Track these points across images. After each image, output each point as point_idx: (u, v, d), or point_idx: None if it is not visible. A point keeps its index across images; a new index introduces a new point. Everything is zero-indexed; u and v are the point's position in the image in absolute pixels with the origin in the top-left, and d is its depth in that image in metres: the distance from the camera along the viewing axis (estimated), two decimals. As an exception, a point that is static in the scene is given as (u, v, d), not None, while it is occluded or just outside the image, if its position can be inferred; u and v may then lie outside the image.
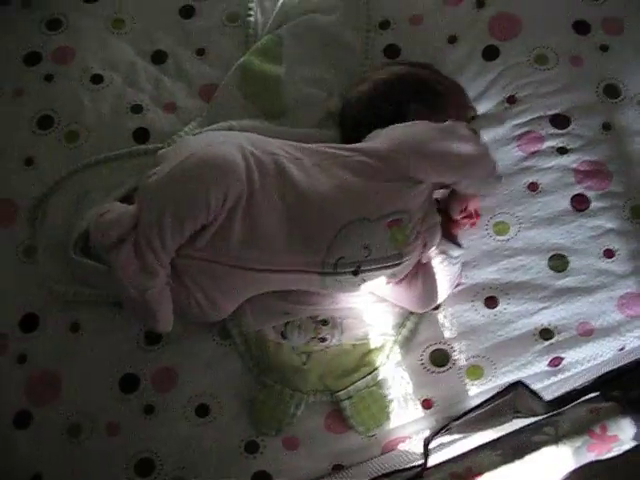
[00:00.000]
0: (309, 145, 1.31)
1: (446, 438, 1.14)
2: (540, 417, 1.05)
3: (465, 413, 1.11)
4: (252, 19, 1.54)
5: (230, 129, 1.40)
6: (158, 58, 1.53)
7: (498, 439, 1.01)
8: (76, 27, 1.53)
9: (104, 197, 1.36)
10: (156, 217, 1.18)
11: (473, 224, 1.36)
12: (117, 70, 1.51)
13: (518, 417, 1.10)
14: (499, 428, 1.12)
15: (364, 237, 1.24)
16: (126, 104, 1.48)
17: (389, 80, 1.39)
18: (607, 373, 1.10)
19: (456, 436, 1.15)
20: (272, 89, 1.47)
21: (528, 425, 1.00)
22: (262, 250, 1.23)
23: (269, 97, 1.47)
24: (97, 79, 1.49)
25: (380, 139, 1.28)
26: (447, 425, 1.09)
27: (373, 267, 1.26)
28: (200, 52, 1.53)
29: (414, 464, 1.09)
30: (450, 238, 1.33)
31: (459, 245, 1.33)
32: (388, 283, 1.32)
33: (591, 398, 1.01)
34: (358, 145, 1.30)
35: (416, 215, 1.27)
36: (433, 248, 1.31)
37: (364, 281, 1.28)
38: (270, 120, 1.45)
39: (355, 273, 1.26)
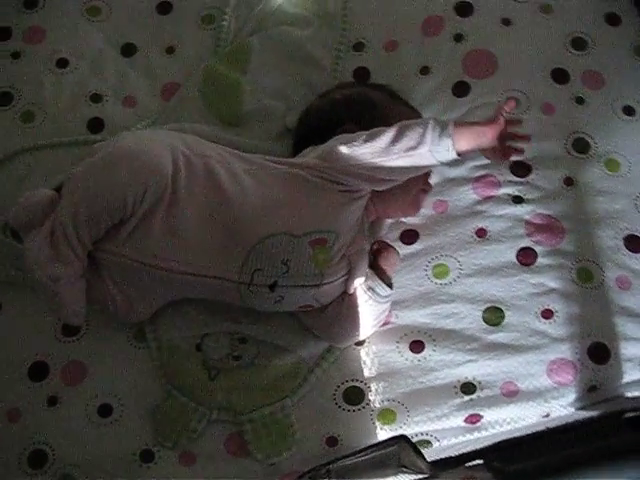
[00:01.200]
0: (246, 154, 1.29)
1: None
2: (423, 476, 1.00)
3: (341, 457, 1.05)
4: (225, 23, 1.51)
5: (181, 131, 1.37)
6: (127, 51, 1.53)
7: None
8: (52, 8, 1.53)
9: (43, 182, 1.35)
10: (72, 208, 1.17)
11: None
12: (84, 57, 1.50)
13: (404, 472, 1.05)
14: (385, 480, 1.07)
15: (284, 252, 1.21)
16: (87, 92, 1.48)
17: (337, 100, 1.37)
18: (498, 443, 1.03)
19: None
20: (232, 96, 1.45)
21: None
22: (180, 251, 1.20)
23: (228, 104, 1.45)
24: (63, 63, 1.49)
25: (311, 154, 1.27)
26: (317, 467, 1.04)
27: (291, 284, 1.22)
28: (170, 50, 1.52)
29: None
30: (381, 276, 1.29)
31: (389, 285, 1.29)
32: (310, 308, 1.28)
33: (474, 465, 0.95)
34: (291, 159, 1.29)
35: (343, 237, 1.23)
36: (360, 281, 1.27)
37: (282, 298, 1.24)
38: (226, 127, 1.43)
39: (272, 288, 1.22)
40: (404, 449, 1.01)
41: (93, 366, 1.30)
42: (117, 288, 1.24)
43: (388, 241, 1.36)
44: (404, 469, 1.05)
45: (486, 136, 1.20)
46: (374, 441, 1.25)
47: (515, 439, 1.04)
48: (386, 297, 1.28)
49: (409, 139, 1.19)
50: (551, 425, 1.11)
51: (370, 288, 1.27)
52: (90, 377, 1.30)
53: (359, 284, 1.27)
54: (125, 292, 1.25)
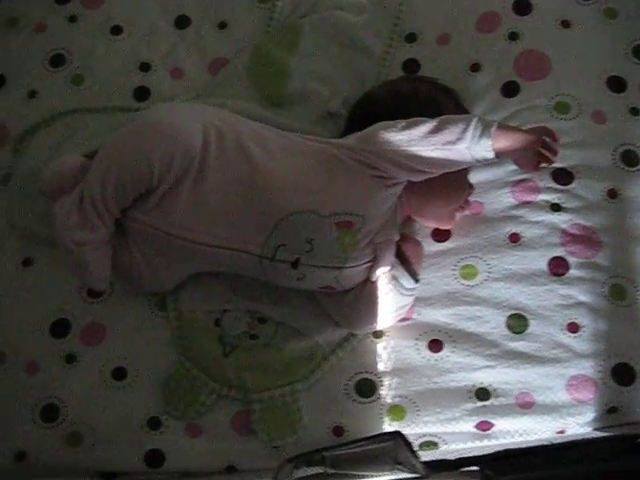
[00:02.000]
0: (283, 131, 1.29)
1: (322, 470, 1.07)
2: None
3: (337, 445, 1.03)
4: (280, 3, 1.50)
5: (222, 106, 1.37)
6: (181, 23, 1.53)
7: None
8: (113, -25, 1.56)
9: (83, 144, 1.37)
10: (101, 176, 1.19)
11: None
12: (138, 26, 1.52)
13: (399, 469, 1.02)
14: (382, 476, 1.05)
15: (309, 230, 1.20)
16: (136, 60, 1.50)
17: (405, 93, 1.33)
18: (497, 452, 0.99)
19: (338, 471, 1.08)
20: (278, 77, 1.44)
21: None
22: (206, 222, 1.21)
23: (273, 84, 1.44)
24: (117, 30, 1.52)
25: (351, 136, 1.26)
26: (311, 452, 1.02)
27: (313, 264, 1.22)
28: (222, 25, 1.53)
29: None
30: (407, 268, 1.26)
31: (415, 278, 1.26)
32: (331, 290, 1.27)
33: (468, 471, 0.92)
34: (329, 139, 1.28)
35: (372, 223, 1.22)
36: (385, 269, 1.25)
37: (304, 276, 1.23)
38: (269, 107, 1.43)
39: (294, 265, 1.22)
40: (400, 446, 0.99)
41: (113, 329, 1.33)
42: (143, 257, 1.26)
43: (418, 236, 1.34)
44: (399, 466, 1.02)
45: (526, 144, 1.18)
46: (379, 436, 1.24)
47: (515, 450, 1.01)
48: (410, 290, 1.26)
49: (449, 133, 1.17)
50: (555, 441, 1.06)
51: (394, 278, 1.25)
52: (109, 339, 1.32)
53: (383, 272, 1.26)
54: (150, 261, 1.26)
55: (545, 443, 1.07)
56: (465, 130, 1.16)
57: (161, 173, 1.17)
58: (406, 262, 1.27)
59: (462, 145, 1.17)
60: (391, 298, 1.26)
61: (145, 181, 1.18)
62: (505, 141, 1.17)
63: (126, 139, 1.21)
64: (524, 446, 1.07)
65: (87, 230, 1.20)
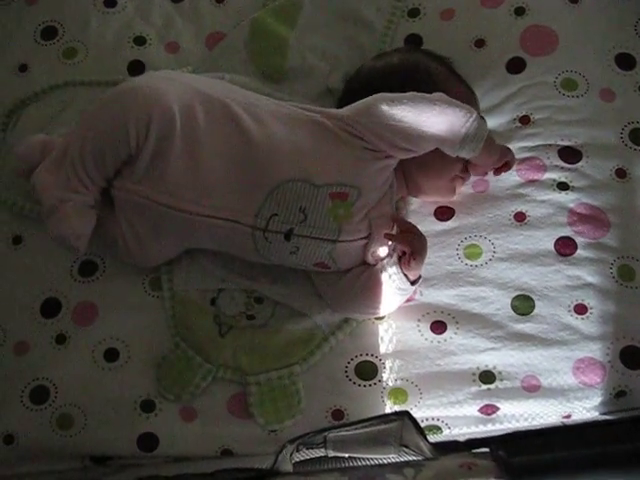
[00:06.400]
0: (275, 100, 1.26)
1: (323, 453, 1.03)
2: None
3: (339, 426, 0.99)
4: (278, -23, 1.47)
5: (220, 79, 1.33)
6: (177, -3, 1.50)
7: (355, 466, 0.90)
8: (107, -53, 1.51)
9: (75, 118, 1.32)
10: (80, 142, 1.17)
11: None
12: (133, -1, 1.48)
13: (405, 452, 0.99)
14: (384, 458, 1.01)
15: (303, 199, 1.17)
16: (131, 34, 1.46)
17: (397, 64, 1.30)
18: (508, 433, 0.96)
19: (340, 454, 1.04)
20: (277, 51, 1.40)
21: (396, 463, 0.89)
22: (196, 191, 1.17)
23: (272, 59, 1.41)
24: (110, 3, 1.48)
25: (347, 107, 1.23)
26: (312, 433, 0.98)
27: (307, 235, 1.18)
28: (220, -1, 1.49)
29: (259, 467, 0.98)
30: (403, 271, 1.20)
31: (409, 281, 1.20)
32: (326, 269, 1.23)
33: (478, 453, 0.88)
34: (322, 108, 1.25)
35: (368, 195, 1.18)
36: (382, 251, 1.21)
37: (297, 249, 1.19)
38: (268, 82, 1.39)
39: (287, 237, 1.18)
40: (406, 427, 0.95)
41: (105, 309, 1.28)
42: (130, 228, 1.22)
43: (420, 215, 1.30)
44: (405, 449, 0.98)
45: (496, 158, 1.24)
46: (381, 419, 1.20)
47: (527, 431, 0.97)
48: (404, 290, 1.21)
49: (444, 122, 1.15)
50: (568, 422, 1.03)
51: (391, 277, 1.19)
52: (100, 320, 1.28)
53: (380, 260, 1.21)
54: (137, 233, 1.22)
55: (557, 424, 1.03)
56: (460, 127, 1.16)
57: (138, 136, 1.14)
58: (402, 263, 1.20)
59: (451, 138, 1.16)
60: (387, 291, 1.21)
61: (122, 146, 1.15)
62: (486, 150, 1.19)
63: (103, 105, 1.19)
64: (536, 427, 1.03)
65: (69, 191, 1.17)
